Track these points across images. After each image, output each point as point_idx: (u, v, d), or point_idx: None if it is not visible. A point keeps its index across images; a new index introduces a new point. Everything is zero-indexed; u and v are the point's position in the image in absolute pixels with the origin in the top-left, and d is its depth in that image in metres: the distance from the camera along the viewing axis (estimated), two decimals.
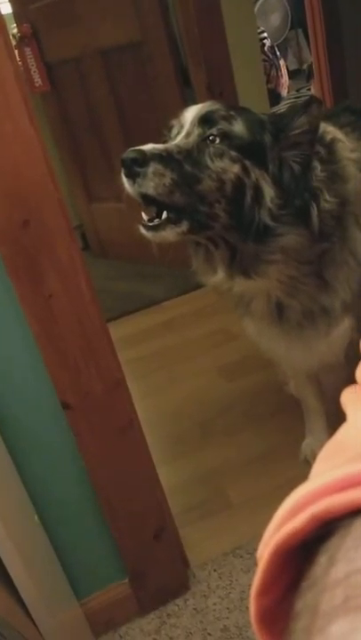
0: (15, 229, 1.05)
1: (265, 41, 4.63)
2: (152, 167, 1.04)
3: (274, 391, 1.94)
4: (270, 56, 4.70)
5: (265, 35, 4.67)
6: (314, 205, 1.11)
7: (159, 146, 1.08)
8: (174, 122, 1.15)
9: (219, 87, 2.43)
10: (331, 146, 1.18)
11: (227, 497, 1.68)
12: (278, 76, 4.80)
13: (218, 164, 1.08)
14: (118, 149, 2.84)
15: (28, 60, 2.86)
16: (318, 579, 0.22)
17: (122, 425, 1.25)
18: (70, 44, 2.76)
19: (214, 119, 1.09)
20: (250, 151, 1.09)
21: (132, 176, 1.05)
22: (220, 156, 1.08)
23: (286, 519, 0.24)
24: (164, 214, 1.08)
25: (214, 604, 1.40)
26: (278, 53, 4.88)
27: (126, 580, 1.40)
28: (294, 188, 1.09)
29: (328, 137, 1.18)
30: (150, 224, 1.09)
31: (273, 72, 4.73)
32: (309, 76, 4.91)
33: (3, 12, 1.51)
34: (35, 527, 1.22)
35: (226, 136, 1.08)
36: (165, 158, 1.05)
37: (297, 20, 5.15)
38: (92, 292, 1.15)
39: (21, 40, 2.83)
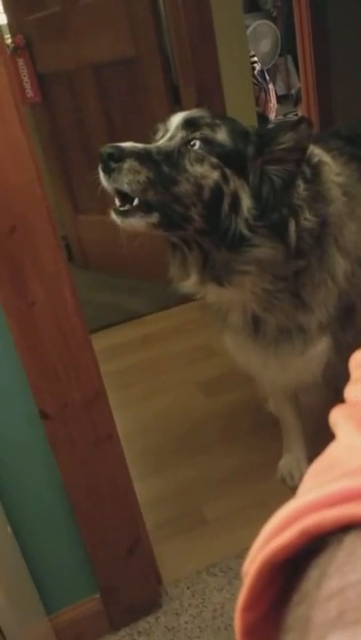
0: (2, 235, 1.04)
1: (255, 65, 4.70)
2: (128, 163, 1.05)
3: (252, 409, 1.94)
4: (260, 80, 4.78)
5: (255, 59, 4.75)
6: (293, 221, 1.12)
7: (139, 145, 1.09)
8: (160, 125, 1.16)
9: (208, 106, 2.46)
10: (317, 167, 1.20)
11: (201, 513, 1.67)
12: (267, 100, 4.88)
13: (197, 169, 1.09)
14: None
15: (21, 71, 2.88)
16: (310, 593, 0.23)
17: (100, 437, 1.24)
18: (63, 56, 2.78)
19: (198, 124, 1.11)
20: (231, 160, 1.09)
21: (108, 171, 1.07)
22: (201, 161, 1.09)
23: (275, 534, 0.25)
24: (136, 201, 1.08)
25: (186, 622, 1.38)
26: (268, 78, 4.97)
27: (98, 596, 1.38)
28: (273, 201, 1.10)
29: (315, 159, 1.20)
30: (121, 209, 1.10)
31: (262, 96, 4.81)
32: (297, 101, 4.99)
33: None
34: (7, 538, 1.20)
35: (208, 142, 1.09)
36: (143, 156, 1.07)
37: (287, 46, 5.25)
38: (76, 301, 1.15)
39: (15, 51, 2.84)
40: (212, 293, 1.22)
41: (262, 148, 1.10)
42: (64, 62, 2.80)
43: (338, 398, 0.40)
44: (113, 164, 1.06)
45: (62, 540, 1.31)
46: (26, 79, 2.90)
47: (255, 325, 1.29)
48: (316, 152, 1.22)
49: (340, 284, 1.24)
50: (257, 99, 4.57)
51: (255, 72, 4.68)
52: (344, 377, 0.41)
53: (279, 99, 5.27)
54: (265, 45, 5.30)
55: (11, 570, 1.19)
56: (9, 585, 1.11)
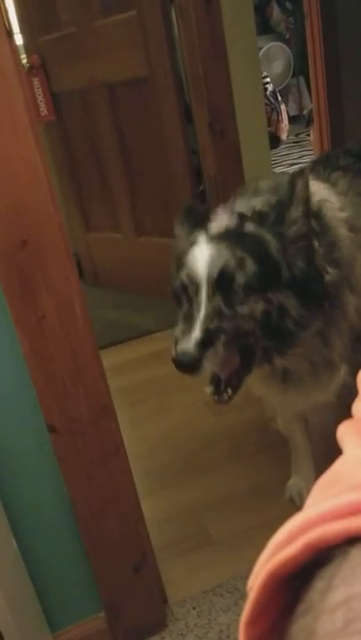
0: (13, 248, 1.05)
1: (267, 86, 4.75)
2: (206, 362, 1.08)
3: (261, 428, 1.93)
4: (272, 101, 4.83)
5: (268, 80, 4.80)
6: (321, 283, 1.14)
7: (197, 332, 1.09)
8: (185, 278, 1.14)
9: (220, 126, 2.49)
10: (319, 210, 1.19)
11: (208, 533, 1.65)
12: (279, 121, 4.92)
13: (247, 314, 1.11)
14: (118, 180, 2.91)
15: (35, 90, 2.92)
16: (315, 603, 0.23)
17: (107, 452, 1.23)
18: (77, 76, 2.82)
19: (229, 277, 1.10)
20: (267, 278, 1.11)
21: (196, 370, 1.10)
22: (247, 305, 1.11)
23: (280, 547, 0.25)
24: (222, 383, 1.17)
25: None
26: (280, 98, 5.01)
27: (102, 614, 1.36)
28: (306, 280, 1.12)
29: (315, 199, 1.19)
30: (219, 397, 1.19)
31: (274, 116, 4.86)
32: (309, 122, 5.03)
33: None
34: (13, 553, 1.19)
35: (245, 285, 1.10)
36: (209, 341, 1.08)
37: (299, 67, 5.31)
38: (86, 316, 1.15)
39: (30, 70, 2.89)
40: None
41: (281, 237, 1.11)
42: (78, 82, 2.84)
43: (348, 415, 0.40)
44: (196, 369, 1.09)
45: (67, 556, 1.30)
46: (40, 98, 2.94)
47: (284, 375, 1.31)
48: (314, 189, 1.21)
49: (351, 318, 1.25)
50: (269, 119, 4.61)
51: (267, 93, 4.73)
52: (356, 394, 0.41)
53: (291, 119, 5.32)
54: (277, 67, 5.36)
55: (16, 587, 1.18)
56: (14, 602, 1.10)
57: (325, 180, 1.31)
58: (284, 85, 5.46)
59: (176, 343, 1.10)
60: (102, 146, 2.91)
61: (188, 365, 1.07)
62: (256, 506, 1.69)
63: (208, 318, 1.09)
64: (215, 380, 1.18)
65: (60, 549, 1.29)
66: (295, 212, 1.10)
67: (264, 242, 1.12)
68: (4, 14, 0.98)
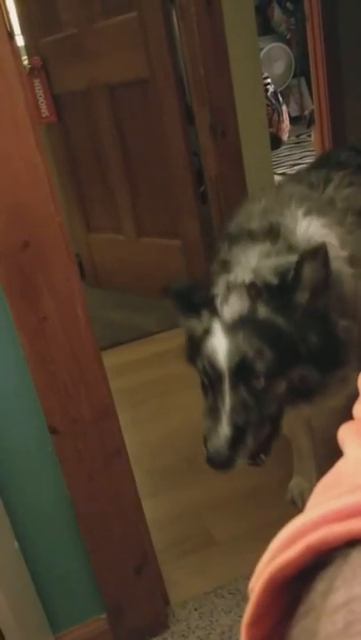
0: (14, 249, 1.05)
1: (269, 87, 4.76)
2: (239, 458, 1.12)
3: None
4: (273, 101, 4.83)
5: (269, 81, 4.81)
6: (338, 346, 1.15)
7: (226, 429, 1.10)
8: (206, 365, 1.15)
9: (221, 127, 2.48)
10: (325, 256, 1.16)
11: (210, 534, 1.65)
12: (280, 121, 4.92)
13: (271, 396, 1.13)
14: (119, 181, 2.91)
15: (37, 92, 2.92)
16: (316, 605, 0.23)
17: (109, 453, 1.23)
18: (78, 77, 2.83)
19: (249, 367, 1.10)
20: (285, 360, 1.11)
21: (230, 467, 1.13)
22: (269, 388, 1.12)
23: (281, 549, 0.25)
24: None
25: None
26: (281, 99, 5.02)
27: (104, 616, 1.36)
28: (325, 353, 1.12)
29: (319, 240, 1.16)
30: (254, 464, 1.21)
31: (275, 117, 4.86)
32: (310, 123, 5.03)
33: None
34: (14, 554, 1.19)
35: (266, 372, 1.11)
36: (239, 437, 1.11)
37: (300, 68, 5.32)
38: (87, 317, 1.15)
39: (31, 71, 2.89)
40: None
41: (295, 320, 1.11)
42: (79, 83, 2.84)
43: (350, 417, 0.39)
44: (231, 466, 1.12)
45: (68, 557, 1.30)
46: (41, 99, 2.95)
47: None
48: (312, 231, 1.19)
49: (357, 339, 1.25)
50: (270, 120, 4.61)
51: (268, 94, 4.73)
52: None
53: (292, 120, 5.33)
54: (278, 67, 5.36)
55: (17, 588, 1.18)
56: (15, 603, 1.10)
57: (320, 209, 1.26)
58: (285, 86, 5.47)
59: (206, 440, 1.13)
60: (103, 147, 2.92)
61: (222, 465, 1.11)
62: (258, 507, 1.68)
63: (235, 412, 1.11)
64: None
65: (62, 550, 1.29)
66: (302, 297, 1.09)
67: (278, 326, 1.11)
68: (5, 16, 0.98)
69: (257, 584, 0.25)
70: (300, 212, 1.22)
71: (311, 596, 0.23)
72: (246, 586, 0.27)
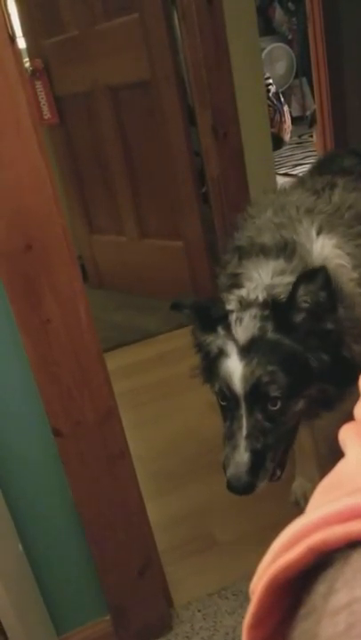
0: (17, 252, 1.05)
1: (270, 87, 4.75)
2: (259, 482, 1.12)
3: None
4: (275, 102, 4.82)
5: (270, 81, 4.80)
6: (352, 365, 1.15)
7: (245, 455, 1.11)
8: (222, 386, 1.14)
9: (223, 128, 2.48)
10: (336, 282, 1.15)
11: (213, 536, 1.65)
12: (282, 122, 4.92)
13: (288, 416, 1.14)
14: (122, 183, 2.91)
15: (39, 94, 2.93)
16: (317, 607, 0.23)
17: (112, 455, 1.23)
18: (80, 79, 2.83)
19: (264, 390, 1.11)
20: (300, 381, 1.12)
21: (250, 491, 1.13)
22: (287, 409, 1.13)
23: (282, 551, 0.25)
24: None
25: None
26: (283, 100, 5.01)
27: (108, 617, 1.36)
28: (338, 368, 1.13)
29: (330, 266, 1.15)
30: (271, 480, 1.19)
31: (277, 117, 4.85)
32: (312, 123, 5.02)
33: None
34: (19, 556, 1.19)
35: (282, 395, 1.11)
36: (258, 462, 1.11)
37: (302, 68, 5.32)
38: (90, 320, 1.15)
39: (33, 74, 2.89)
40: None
41: (305, 341, 1.11)
42: (81, 85, 2.84)
43: (352, 417, 0.39)
44: (251, 490, 1.12)
45: (72, 559, 1.30)
46: (43, 101, 2.95)
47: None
48: (327, 251, 1.19)
49: None
50: (272, 120, 4.61)
51: (270, 94, 4.73)
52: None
53: (294, 120, 5.32)
54: (280, 68, 5.36)
55: (22, 590, 1.18)
56: (20, 605, 1.10)
57: (330, 224, 1.25)
58: (286, 86, 5.46)
59: (225, 465, 1.13)
60: (105, 149, 2.92)
61: (242, 490, 1.11)
62: (261, 508, 1.68)
63: (252, 437, 1.11)
64: None
65: (66, 552, 1.29)
66: (299, 318, 1.10)
67: (287, 346, 1.11)
68: (7, 18, 0.98)
69: (258, 585, 0.25)
70: (313, 231, 1.21)
71: (312, 597, 0.23)
72: (250, 587, 0.27)
